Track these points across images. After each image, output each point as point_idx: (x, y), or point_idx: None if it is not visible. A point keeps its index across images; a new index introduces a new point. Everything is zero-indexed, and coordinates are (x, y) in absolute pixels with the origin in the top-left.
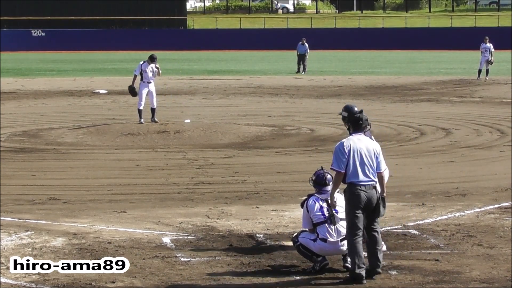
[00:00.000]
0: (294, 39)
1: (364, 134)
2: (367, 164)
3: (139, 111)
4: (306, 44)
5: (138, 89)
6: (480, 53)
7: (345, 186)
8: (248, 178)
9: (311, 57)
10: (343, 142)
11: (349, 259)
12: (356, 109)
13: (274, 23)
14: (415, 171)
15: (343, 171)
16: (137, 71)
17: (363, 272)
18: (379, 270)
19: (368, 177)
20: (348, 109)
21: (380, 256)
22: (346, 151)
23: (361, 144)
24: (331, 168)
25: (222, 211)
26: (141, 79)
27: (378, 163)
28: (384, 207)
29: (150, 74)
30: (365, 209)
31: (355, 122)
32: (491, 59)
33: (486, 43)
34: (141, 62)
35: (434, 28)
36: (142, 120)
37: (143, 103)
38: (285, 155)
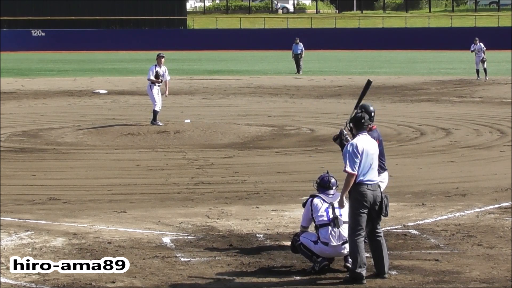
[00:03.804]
0: (294, 39)
1: (369, 134)
2: (374, 164)
3: (155, 113)
4: (301, 44)
5: (154, 89)
6: (474, 54)
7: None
8: (248, 178)
9: (311, 57)
10: (356, 144)
11: (350, 259)
12: (371, 108)
13: (274, 23)
14: (415, 171)
15: (356, 172)
16: (151, 75)
17: (364, 272)
18: (386, 276)
19: (375, 176)
20: (363, 107)
21: (387, 263)
22: (360, 152)
23: (368, 144)
24: (344, 171)
25: (222, 211)
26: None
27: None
28: (387, 206)
29: (160, 78)
30: (369, 208)
31: (357, 122)
32: (483, 57)
33: (477, 44)
34: (153, 66)
35: (434, 28)
36: (159, 122)
37: (158, 103)
38: (285, 155)
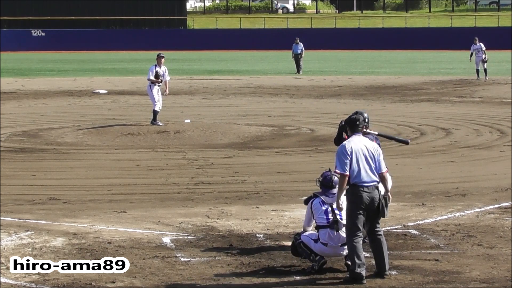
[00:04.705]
0: (294, 39)
1: (366, 137)
2: (369, 165)
3: (155, 113)
4: (301, 44)
5: (153, 89)
6: (474, 54)
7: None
8: (248, 178)
9: (311, 57)
10: (345, 144)
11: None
12: (365, 114)
13: (274, 23)
14: (415, 171)
15: (347, 173)
16: (151, 75)
17: (363, 272)
18: (387, 273)
19: (371, 177)
20: (358, 114)
21: (387, 261)
22: (349, 152)
23: (361, 145)
24: (335, 171)
25: (222, 211)
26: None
27: (379, 164)
28: (386, 207)
29: (160, 78)
30: (366, 209)
31: (352, 123)
32: (485, 57)
33: (476, 44)
34: (152, 66)
35: (434, 28)
36: (159, 122)
37: (158, 103)
38: (285, 155)
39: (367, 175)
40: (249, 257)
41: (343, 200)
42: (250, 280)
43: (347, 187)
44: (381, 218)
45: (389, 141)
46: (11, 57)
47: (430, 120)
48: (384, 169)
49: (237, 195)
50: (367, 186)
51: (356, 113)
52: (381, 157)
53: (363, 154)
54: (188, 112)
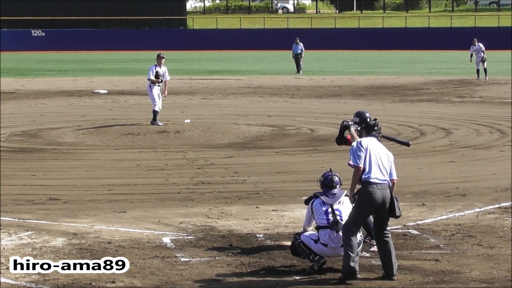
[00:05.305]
0: (294, 39)
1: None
2: (383, 165)
3: (155, 113)
4: (301, 44)
5: (153, 89)
6: (474, 55)
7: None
8: (248, 178)
9: (311, 57)
10: (361, 140)
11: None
12: (367, 114)
13: (274, 23)
14: (415, 171)
15: (361, 166)
16: (151, 75)
17: (357, 266)
18: (394, 278)
19: (383, 176)
20: (359, 114)
21: (395, 265)
22: (364, 147)
23: (376, 145)
24: (348, 164)
25: (222, 211)
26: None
27: (390, 170)
28: (398, 207)
29: (160, 77)
30: (377, 209)
31: (370, 128)
32: (483, 57)
33: (475, 45)
34: (153, 66)
35: (434, 28)
36: (159, 122)
37: (158, 103)
38: (285, 155)
39: (380, 173)
40: (249, 257)
41: (344, 200)
42: (250, 280)
43: (359, 186)
44: (390, 219)
45: (389, 142)
46: (11, 57)
47: (430, 120)
48: (395, 176)
49: (237, 195)
50: (380, 184)
51: (375, 119)
52: (393, 165)
53: (378, 153)
54: (188, 112)
